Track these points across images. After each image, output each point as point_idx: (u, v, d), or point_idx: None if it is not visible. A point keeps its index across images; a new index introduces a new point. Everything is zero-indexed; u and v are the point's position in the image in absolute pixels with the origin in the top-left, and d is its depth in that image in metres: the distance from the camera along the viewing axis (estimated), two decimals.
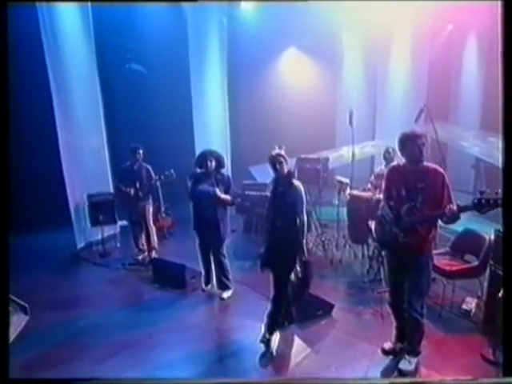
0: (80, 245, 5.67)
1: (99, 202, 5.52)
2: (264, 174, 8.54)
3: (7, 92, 2.45)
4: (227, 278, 4.07)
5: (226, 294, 4.04)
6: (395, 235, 2.66)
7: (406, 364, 2.71)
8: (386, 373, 2.74)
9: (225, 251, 4.04)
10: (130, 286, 4.42)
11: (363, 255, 4.97)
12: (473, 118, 8.12)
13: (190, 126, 7.52)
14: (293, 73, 9.48)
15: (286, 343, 3.11)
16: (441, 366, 2.77)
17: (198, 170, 4.01)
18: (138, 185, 4.94)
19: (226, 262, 4.08)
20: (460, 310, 3.52)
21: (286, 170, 3.07)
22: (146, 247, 5.16)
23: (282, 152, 3.09)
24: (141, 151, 5.02)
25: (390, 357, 2.89)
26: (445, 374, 2.69)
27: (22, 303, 3.69)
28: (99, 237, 5.71)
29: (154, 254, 5.05)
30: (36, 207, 5.97)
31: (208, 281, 4.21)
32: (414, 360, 2.72)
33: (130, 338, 3.27)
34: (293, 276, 3.15)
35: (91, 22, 5.92)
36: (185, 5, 7.62)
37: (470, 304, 3.54)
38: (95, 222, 5.50)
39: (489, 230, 3.41)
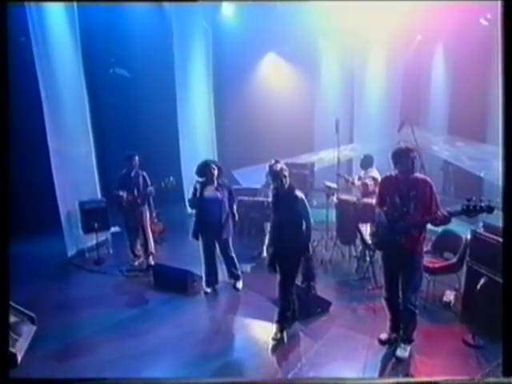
0: (71, 252, 5.70)
1: (92, 209, 5.58)
2: (247, 178, 8.88)
3: (7, 92, 2.55)
4: (237, 269, 4.51)
5: (240, 284, 4.50)
6: (392, 237, 3.04)
7: (402, 351, 3.11)
8: (384, 360, 3.13)
9: (231, 246, 4.44)
10: (133, 292, 4.56)
11: (350, 255, 5.40)
12: (441, 124, 8.84)
13: (175, 130, 7.69)
14: (272, 78, 9.83)
15: (295, 339, 3.44)
16: (430, 352, 3.19)
17: (200, 179, 4.27)
18: (135, 191, 5.07)
19: (234, 255, 4.49)
20: (441, 302, 3.99)
21: (288, 184, 3.36)
22: (142, 253, 5.29)
23: (285, 166, 3.37)
24: (137, 158, 5.15)
25: (387, 346, 3.28)
26: (433, 358, 3.12)
27: (29, 313, 3.75)
28: (89, 244, 5.80)
29: (151, 260, 5.20)
30: (24, 215, 5.91)
31: (209, 283, 4.45)
32: (408, 347, 3.13)
33: (140, 341, 3.47)
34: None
35: (77, 25, 5.93)
36: (167, 6, 7.76)
37: (450, 296, 4.01)
38: (88, 229, 5.56)
39: (465, 231, 3.91)
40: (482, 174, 7.82)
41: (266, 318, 3.75)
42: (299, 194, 3.39)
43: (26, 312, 3.75)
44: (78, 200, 5.75)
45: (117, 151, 7.19)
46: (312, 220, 3.41)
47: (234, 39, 8.94)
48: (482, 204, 2.67)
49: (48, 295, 4.40)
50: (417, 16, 7.87)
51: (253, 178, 8.80)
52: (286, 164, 6.77)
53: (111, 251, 5.76)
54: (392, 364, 3.06)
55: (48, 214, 5.69)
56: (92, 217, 5.53)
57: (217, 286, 4.54)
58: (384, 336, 3.35)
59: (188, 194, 7.77)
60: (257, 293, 4.43)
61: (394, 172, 3.19)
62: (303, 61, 9.57)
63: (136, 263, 5.29)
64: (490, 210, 2.68)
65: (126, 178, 5.13)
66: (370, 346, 3.29)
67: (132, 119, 7.44)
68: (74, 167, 5.86)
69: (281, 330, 3.41)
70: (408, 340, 3.15)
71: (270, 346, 3.33)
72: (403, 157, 3.01)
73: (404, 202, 3.04)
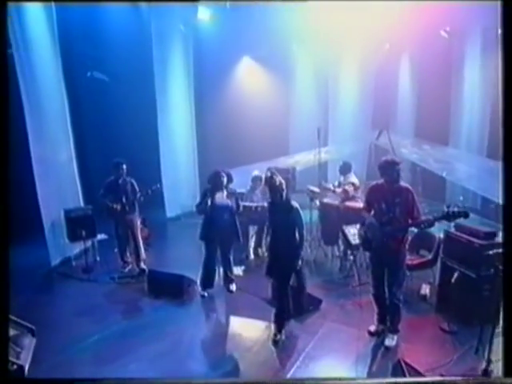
0: (55, 262, 5.68)
1: (78, 217, 5.60)
2: None
3: (7, 93, 2.64)
4: (232, 273, 4.83)
5: (233, 287, 4.76)
6: (379, 240, 3.44)
7: (390, 341, 3.54)
8: (375, 350, 3.54)
9: (232, 250, 4.78)
10: (128, 299, 4.68)
11: (333, 255, 5.83)
12: (408, 128, 9.55)
13: (155, 135, 7.77)
14: (248, 82, 10.11)
15: (293, 336, 3.76)
16: (413, 340, 3.65)
17: (210, 186, 4.56)
18: (124, 199, 5.18)
19: (232, 258, 4.82)
20: (418, 295, 4.48)
21: (286, 195, 3.66)
22: (132, 259, 5.41)
23: (282, 180, 3.66)
24: (124, 166, 5.25)
25: (375, 337, 3.69)
26: (417, 344, 3.57)
27: (29, 325, 3.79)
28: (74, 252, 5.81)
29: (142, 266, 5.33)
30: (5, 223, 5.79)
31: (205, 286, 4.68)
32: (395, 337, 3.56)
33: (143, 348, 3.65)
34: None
35: (56, 28, 5.87)
36: (145, 9, 7.80)
37: (426, 290, 4.52)
38: (75, 237, 5.57)
39: (438, 230, 4.41)
40: (444, 174, 8.60)
41: (262, 317, 4.07)
42: (294, 203, 3.71)
43: (26, 324, 3.80)
44: (62, 208, 5.73)
45: (98, 157, 7.23)
46: (304, 232, 3.76)
47: (210, 43, 9.14)
48: (460, 210, 3.12)
49: (41, 306, 4.43)
50: (385, 25, 8.47)
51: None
52: (269, 169, 7.27)
53: (98, 258, 5.79)
54: (381, 352, 3.48)
55: (30, 223, 5.63)
56: (78, 225, 5.54)
57: (211, 289, 4.76)
58: (373, 328, 3.76)
59: (168, 199, 8.02)
60: (250, 293, 4.71)
61: (380, 181, 3.59)
62: (278, 66, 9.90)
63: (126, 270, 5.40)
64: (466, 215, 3.13)
65: (113, 186, 5.22)
66: (360, 337, 3.69)
67: (111, 124, 7.44)
68: (57, 174, 5.84)
69: (279, 329, 3.71)
70: (395, 330, 3.58)
71: (271, 344, 3.63)
72: (389, 168, 3.42)
73: (390, 208, 3.45)
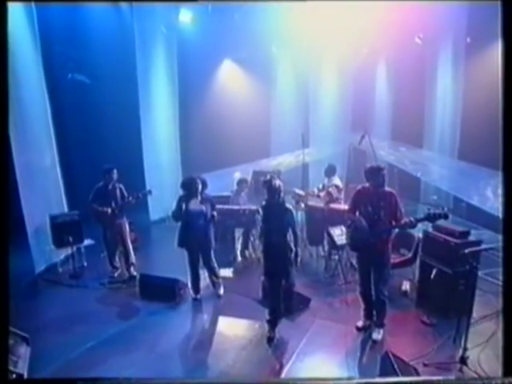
0: (40, 268, 5.65)
1: (65, 223, 5.60)
2: (210, 183, 9.23)
3: (7, 93, 2.72)
4: (218, 278, 4.92)
5: (221, 291, 4.88)
6: (366, 240, 3.73)
7: (377, 334, 3.85)
8: (363, 343, 3.84)
9: (213, 257, 4.82)
10: (120, 304, 4.76)
11: (318, 255, 6.12)
12: (385, 130, 10.03)
13: (138, 138, 7.82)
14: (230, 84, 10.28)
15: (287, 333, 3.99)
16: (397, 333, 3.97)
17: (184, 193, 4.62)
18: (113, 204, 5.25)
19: (215, 265, 4.88)
20: (400, 291, 4.83)
21: (282, 198, 3.88)
22: (122, 264, 5.49)
23: (281, 183, 3.88)
24: (115, 171, 5.31)
25: (363, 332, 3.99)
26: (401, 337, 3.90)
27: (23, 334, 3.82)
28: (58, 258, 5.80)
29: (132, 270, 5.41)
30: None
31: (197, 290, 4.83)
32: (381, 331, 3.87)
33: (140, 352, 3.79)
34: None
35: (37, 29, 5.83)
36: (127, 10, 7.82)
37: (406, 286, 4.88)
38: (61, 243, 5.57)
39: (417, 230, 4.76)
40: (418, 175, 9.14)
41: (254, 316, 4.30)
42: (289, 205, 3.94)
43: (19, 333, 3.82)
44: (46, 213, 5.71)
45: (81, 161, 7.19)
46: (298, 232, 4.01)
47: (192, 45, 9.24)
48: (440, 212, 3.45)
49: (33, 314, 4.43)
50: (363, 30, 8.86)
51: (215, 183, 9.20)
52: (255, 172, 7.47)
53: (85, 264, 5.81)
54: (370, 346, 3.78)
55: (12, 229, 5.56)
56: (65, 230, 5.55)
57: (202, 292, 4.92)
58: (360, 323, 4.06)
59: (151, 202, 8.08)
60: (240, 295, 4.91)
61: (366, 185, 3.89)
62: (259, 68, 10.11)
63: (115, 275, 5.47)
64: (446, 216, 3.47)
65: (103, 191, 5.28)
66: (349, 333, 3.98)
67: (94, 127, 7.41)
68: (40, 179, 5.81)
69: (273, 327, 3.94)
70: (381, 325, 3.90)
71: (266, 342, 3.85)
72: (375, 173, 3.71)
73: (375, 211, 3.75)
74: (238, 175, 10.24)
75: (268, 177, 3.91)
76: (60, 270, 5.65)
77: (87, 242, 5.91)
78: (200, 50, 9.30)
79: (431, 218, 3.48)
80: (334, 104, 9.76)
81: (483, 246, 3.82)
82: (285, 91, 10.31)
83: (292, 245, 3.91)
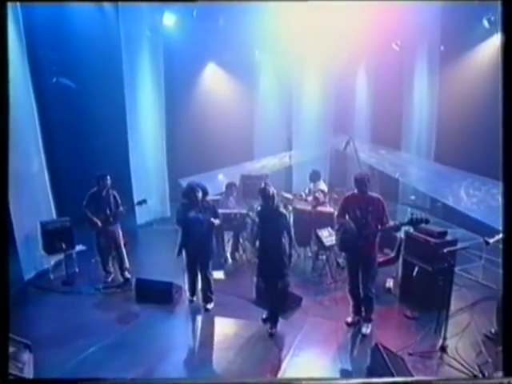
0: (29, 275, 5.71)
1: (56, 229, 5.68)
2: None
3: (7, 93, 2.86)
4: (212, 293, 4.93)
5: (210, 306, 4.91)
6: (355, 242, 4.10)
7: (365, 329, 4.23)
8: (353, 338, 4.21)
9: (211, 269, 4.89)
10: (119, 308, 4.93)
11: (305, 256, 6.49)
12: (365, 133, 10.55)
13: (125, 141, 7.94)
14: (214, 87, 10.50)
15: (283, 331, 4.31)
16: (384, 327, 4.37)
17: (186, 201, 4.74)
18: (107, 210, 5.40)
19: (212, 279, 4.93)
20: (384, 288, 5.25)
21: (276, 203, 4.19)
22: (115, 269, 5.65)
23: (274, 190, 4.19)
24: (108, 178, 5.46)
25: (352, 327, 4.37)
26: (387, 330, 4.30)
27: (25, 341, 3.94)
28: (48, 265, 5.87)
29: (127, 274, 5.58)
30: None
31: (193, 292, 5.05)
32: (369, 325, 4.26)
33: (144, 352, 4.01)
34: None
35: (22, 31, 5.85)
36: (111, 11, 7.90)
37: (390, 283, 5.31)
38: (53, 250, 5.66)
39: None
40: (397, 176, 9.70)
41: (249, 316, 4.59)
42: (283, 210, 4.25)
43: (21, 340, 3.95)
44: (35, 220, 5.77)
45: (68, 166, 7.24)
46: (293, 235, 4.34)
47: (176, 49, 9.41)
48: (422, 217, 3.86)
49: (31, 322, 4.53)
50: (344, 35, 9.29)
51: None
52: (243, 176, 7.77)
53: (77, 270, 5.91)
54: (359, 339, 4.16)
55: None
56: (56, 237, 5.64)
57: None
58: (349, 319, 4.44)
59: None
60: (233, 295, 5.18)
61: (354, 191, 4.26)
62: (242, 72, 10.38)
63: (109, 279, 5.62)
64: (427, 221, 3.88)
65: (97, 197, 5.42)
66: (339, 328, 4.35)
67: (80, 132, 7.45)
68: (28, 185, 5.86)
69: (273, 324, 4.27)
70: (369, 320, 4.29)
71: (268, 336, 4.18)
72: (364, 181, 4.09)
73: (363, 215, 4.12)
74: (221, 177, 10.53)
75: (262, 185, 4.21)
76: (52, 276, 5.72)
77: (79, 247, 6.00)
78: (184, 54, 9.51)
79: (414, 222, 3.89)
80: (317, 107, 10.18)
81: (459, 246, 4.28)
82: (268, 95, 10.65)
83: (287, 247, 4.22)
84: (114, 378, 3.23)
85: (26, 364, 3.75)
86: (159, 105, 8.62)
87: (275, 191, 4.19)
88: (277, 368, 3.74)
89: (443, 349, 3.77)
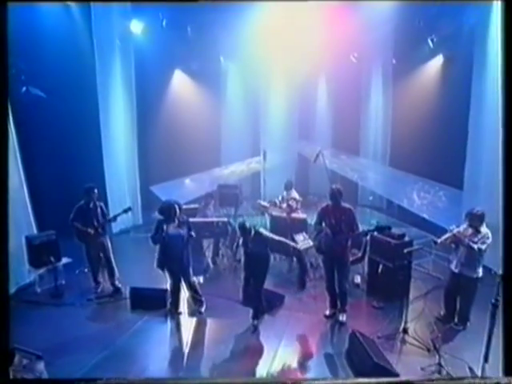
0: (11, 290, 5.99)
1: (42, 243, 6.04)
2: (166, 193, 10.03)
3: (7, 93, 3.29)
4: (201, 296, 5.56)
5: (203, 308, 5.55)
6: (330, 245, 5.03)
7: (342, 317, 5.20)
8: (332, 327, 5.15)
9: (192, 274, 5.44)
10: (115, 316, 5.46)
11: (280, 258, 7.37)
12: (326, 139, 11.68)
13: (99, 149, 8.33)
14: (182, 95, 11.04)
15: (272, 327, 5.14)
16: (355, 316, 5.37)
17: (163, 217, 5.15)
18: (95, 223, 5.87)
19: (197, 284, 5.59)
20: (353, 284, 6.28)
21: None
22: (105, 279, 6.13)
23: (252, 225, 5.04)
24: (95, 191, 5.93)
25: (330, 318, 5.32)
26: (358, 319, 5.30)
27: (36, 352, 4.37)
28: (29, 279, 6.19)
29: (117, 283, 6.09)
30: None
31: (178, 306, 5.51)
32: (345, 315, 5.23)
33: (147, 355, 4.67)
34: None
35: None
36: (77, 14, 8.19)
37: (358, 279, 6.36)
38: (39, 264, 6.01)
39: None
40: (356, 179, 10.95)
41: (237, 315, 5.31)
42: (263, 231, 5.13)
43: (32, 351, 4.38)
44: (15, 234, 6.07)
45: (45, 179, 7.49)
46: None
47: (144, 57, 9.84)
48: (385, 226, 4.89)
49: (29, 337, 4.76)
50: (306, 45, 10.26)
51: (172, 192, 10.03)
52: (220, 185, 8.52)
53: (64, 282, 6.29)
54: (337, 328, 5.11)
55: None
56: (43, 251, 6.00)
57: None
58: (327, 312, 5.38)
59: (113, 213, 8.60)
60: (219, 297, 5.92)
61: (329, 203, 5.18)
62: (209, 79, 11.06)
63: (99, 290, 6.10)
64: (389, 228, 4.90)
65: (84, 210, 5.86)
66: (320, 320, 5.28)
67: (54, 142, 7.71)
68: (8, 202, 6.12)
69: (258, 321, 5.09)
70: (344, 310, 5.25)
71: (255, 335, 4.97)
72: (337, 194, 5.02)
73: (337, 223, 5.06)
74: (186, 180, 11.16)
75: (241, 220, 5.08)
76: (38, 290, 6.06)
77: (65, 260, 6.38)
78: (152, 61, 9.95)
79: (379, 229, 4.91)
80: (282, 114, 11.17)
81: (416, 246, 5.39)
82: (234, 102, 11.44)
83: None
84: (114, 378, 3.82)
85: (42, 372, 4.23)
86: (131, 113, 9.05)
87: (252, 225, 5.04)
88: (271, 359, 4.55)
89: (405, 330, 4.83)
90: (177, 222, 5.17)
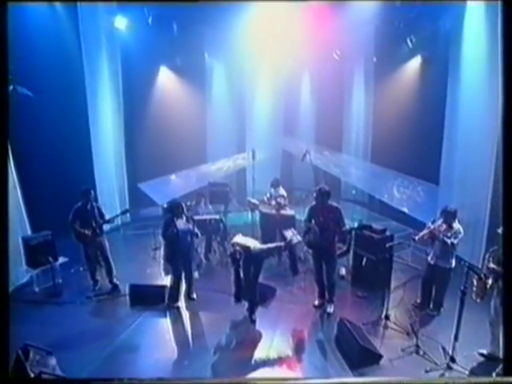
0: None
1: (39, 244, 6.33)
2: (154, 190, 10.37)
3: (6, 93, 3.57)
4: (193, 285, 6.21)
5: (194, 295, 6.19)
6: (319, 241, 5.58)
7: (330, 308, 5.77)
8: (321, 317, 5.72)
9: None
10: (116, 312, 5.86)
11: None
12: (310, 135, 12.22)
13: (89, 148, 8.58)
14: (167, 91, 11.28)
15: (267, 318, 5.64)
16: (342, 306, 5.96)
17: (171, 215, 5.75)
18: (93, 223, 6.22)
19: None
20: (339, 276, 6.88)
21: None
22: (103, 277, 6.50)
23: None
24: (92, 192, 6.26)
25: (319, 308, 5.89)
26: (345, 308, 5.89)
27: (46, 348, 4.73)
28: (24, 280, 6.49)
29: (115, 281, 6.47)
30: None
31: (177, 299, 6.04)
32: (332, 305, 5.81)
33: (152, 349, 5.12)
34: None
35: None
36: (63, 12, 8.34)
37: (343, 271, 6.97)
38: (37, 264, 6.30)
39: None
40: (339, 174, 11.57)
41: (232, 307, 5.79)
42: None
43: (43, 348, 4.73)
44: (11, 235, 6.36)
45: (38, 179, 7.70)
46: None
47: (130, 53, 10.03)
48: (367, 224, 5.47)
49: (33, 336, 4.91)
50: (290, 42, 10.71)
51: (159, 189, 10.39)
52: (210, 183, 8.94)
53: (60, 281, 6.61)
54: (326, 317, 5.69)
55: None
56: (40, 251, 6.29)
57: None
58: (316, 302, 5.96)
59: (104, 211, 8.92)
60: (214, 291, 6.41)
61: (317, 202, 5.71)
62: (194, 75, 11.31)
63: (97, 288, 6.46)
64: (370, 227, 5.49)
65: (82, 211, 6.20)
66: (310, 311, 5.84)
67: (42, 141, 7.90)
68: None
69: (253, 311, 5.60)
70: (331, 301, 5.83)
71: (252, 326, 5.48)
72: (325, 194, 5.55)
73: (325, 220, 5.60)
74: (173, 177, 11.49)
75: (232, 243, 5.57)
76: (37, 289, 6.36)
77: (61, 259, 6.69)
78: (137, 58, 10.15)
79: (362, 227, 5.50)
80: (267, 111, 11.64)
81: (396, 242, 6.02)
82: (220, 98, 11.78)
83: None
84: (114, 378, 4.22)
85: (55, 367, 4.61)
86: (118, 111, 9.29)
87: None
88: (267, 347, 5.07)
89: (387, 317, 5.46)
90: (184, 218, 5.78)
